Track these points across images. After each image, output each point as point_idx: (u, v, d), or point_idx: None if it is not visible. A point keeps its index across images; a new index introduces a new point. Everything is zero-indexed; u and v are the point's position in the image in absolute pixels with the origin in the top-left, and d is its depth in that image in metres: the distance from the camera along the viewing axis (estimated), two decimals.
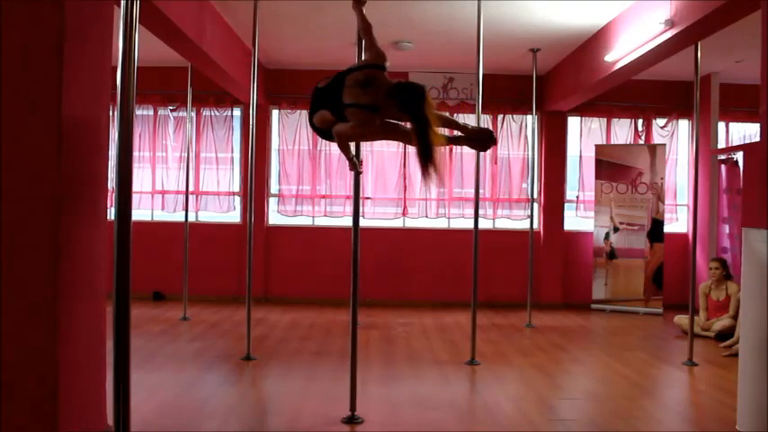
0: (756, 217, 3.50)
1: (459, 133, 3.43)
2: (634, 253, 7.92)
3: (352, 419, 3.67)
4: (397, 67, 7.86)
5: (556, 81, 7.69)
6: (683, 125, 8.34)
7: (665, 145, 8.00)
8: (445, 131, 3.49)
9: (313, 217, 8.22)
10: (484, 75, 5.21)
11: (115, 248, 2.17)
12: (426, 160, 2.95)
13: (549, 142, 8.31)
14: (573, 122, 8.41)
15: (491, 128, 8.19)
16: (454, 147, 8.13)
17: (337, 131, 3.20)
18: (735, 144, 8.22)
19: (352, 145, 3.69)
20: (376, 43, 3.34)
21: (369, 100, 3.12)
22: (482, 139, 3.34)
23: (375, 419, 3.72)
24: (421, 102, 2.94)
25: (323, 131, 3.32)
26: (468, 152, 8.10)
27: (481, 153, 5.59)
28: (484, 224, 7.64)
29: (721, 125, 8.14)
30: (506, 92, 8.05)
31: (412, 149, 8.87)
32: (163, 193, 8.08)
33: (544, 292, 8.13)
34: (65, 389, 2.75)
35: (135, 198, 6.37)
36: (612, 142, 8.25)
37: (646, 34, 5.05)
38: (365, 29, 3.40)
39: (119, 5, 2.21)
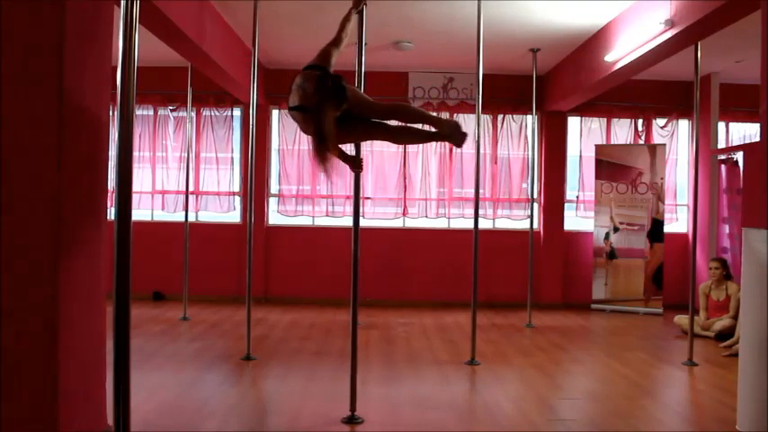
0: (756, 217, 3.50)
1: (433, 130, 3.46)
2: (634, 253, 7.92)
3: (352, 419, 3.67)
4: (397, 67, 7.87)
5: (556, 81, 7.69)
6: (683, 125, 8.34)
7: (665, 145, 8.00)
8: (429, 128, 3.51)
9: (313, 217, 8.22)
10: (484, 75, 5.21)
11: (115, 248, 2.17)
12: (318, 150, 3.03)
13: (549, 142, 8.31)
14: (573, 122, 8.41)
15: (491, 128, 8.19)
16: (454, 147, 8.12)
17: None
18: (735, 144, 8.22)
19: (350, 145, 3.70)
20: (331, 42, 3.38)
21: (298, 101, 3.17)
22: (451, 134, 3.35)
23: (375, 419, 3.72)
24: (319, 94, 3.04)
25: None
26: (468, 152, 8.10)
27: (481, 153, 5.59)
28: (484, 224, 7.64)
29: (721, 125, 8.14)
30: (506, 92, 8.05)
31: (411, 149, 8.83)
32: (163, 193, 8.08)
33: (544, 292, 8.13)
34: (65, 389, 2.75)
35: (135, 198, 6.37)
36: (612, 142, 8.25)
37: (646, 34, 5.05)
38: (340, 27, 3.49)
39: (119, 5, 2.21)
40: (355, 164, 3.64)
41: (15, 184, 2.67)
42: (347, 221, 7.44)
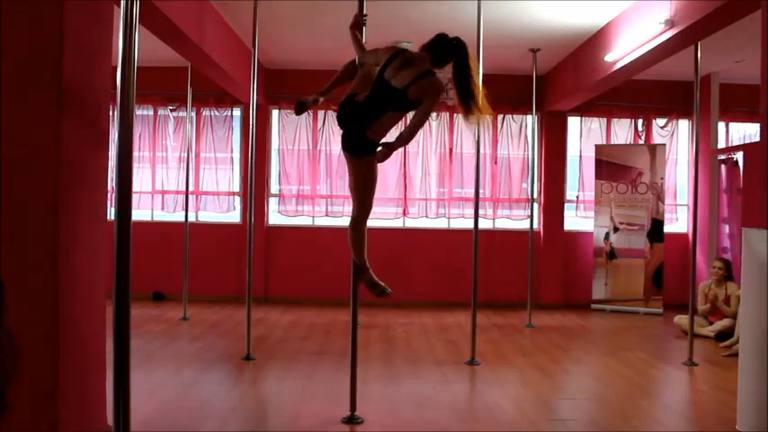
0: (756, 217, 3.50)
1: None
2: (634, 253, 7.91)
3: (352, 419, 3.67)
4: None
5: (556, 81, 7.69)
6: (683, 125, 8.34)
7: (665, 145, 8.00)
8: None
9: (313, 217, 8.22)
10: (484, 75, 5.20)
11: (115, 248, 2.18)
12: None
13: (549, 142, 8.31)
14: (573, 122, 8.41)
15: (491, 128, 8.19)
16: (454, 148, 8.16)
17: (421, 124, 3.37)
18: (735, 144, 8.22)
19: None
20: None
21: (422, 67, 3.32)
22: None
23: (375, 419, 3.72)
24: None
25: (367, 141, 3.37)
26: (467, 152, 8.10)
27: (481, 153, 5.59)
28: (484, 224, 7.63)
29: (721, 125, 8.14)
30: (506, 92, 8.04)
31: (412, 149, 8.82)
32: (163, 193, 8.08)
33: (544, 292, 8.13)
34: (65, 389, 2.75)
35: (135, 198, 6.37)
36: (612, 142, 8.25)
37: (646, 34, 5.05)
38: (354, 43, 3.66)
39: (119, 5, 2.22)
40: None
41: (15, 184, 2.67)
42: (347, 221, 7.43)
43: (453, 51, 3.35)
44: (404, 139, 3.41)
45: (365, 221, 3.58)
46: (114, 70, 2.34)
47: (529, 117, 7.88)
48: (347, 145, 3.43)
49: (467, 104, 3.32)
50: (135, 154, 7.24)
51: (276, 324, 6.66)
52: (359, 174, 3.45)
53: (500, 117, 8.22)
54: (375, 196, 3.62)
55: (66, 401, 2.76)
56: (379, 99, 3.31)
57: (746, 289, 3.64)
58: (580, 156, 8.32)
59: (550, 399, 4.28)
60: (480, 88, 3.37)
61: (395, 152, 3.48)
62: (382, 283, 3.66)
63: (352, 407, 3.71)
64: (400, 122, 3.63)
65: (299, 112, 3.65)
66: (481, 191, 7.10)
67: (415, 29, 6.29)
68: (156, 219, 8.16)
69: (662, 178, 7.83)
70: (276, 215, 8.27)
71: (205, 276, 7.84)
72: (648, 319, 7.47)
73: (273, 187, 8.33)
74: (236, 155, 8.22)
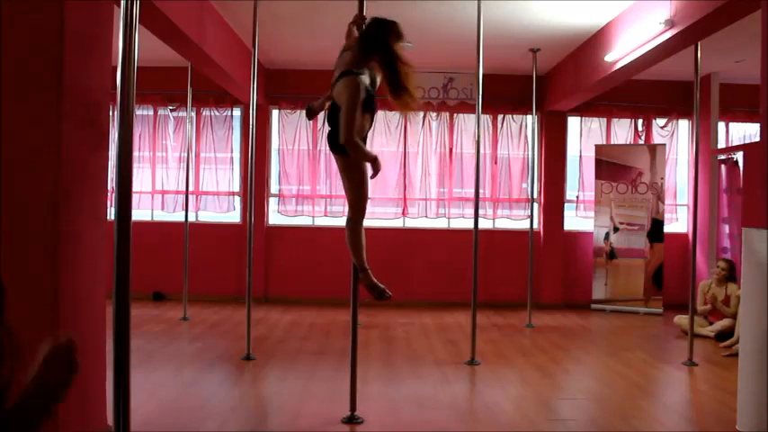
0: (756, 217, 3.50)
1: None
2: (634, 253, 7.91)
3: (352, 419, 3.67)
4: None
5: (556, 81, 7.69)
6: (683, 125, 8.34)
7: (665, 145, 8.00)
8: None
9: (313, 217, 8.22)
10: (484, 75, 5.21)
11: (115, 248, 2.18)
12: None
13: (549, 142, 8.31)
14: (573, 122, 8.41)
15: (491, 128, 8.20)
16: (454, 148, 8.16)
17: (346, 129, 3.22)
18: (735, 144, 8.23)
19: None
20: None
21: (343, 67, 3.31)
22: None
23: (375, 419, 3.72)
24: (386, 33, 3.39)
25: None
26: (467, 152, 8.10)
27: (481, 153, 5.59)
28: (484, 224, 7.63)
29: (721, 125, 8.14)
30: (506, 92, 8.05)
31: (411, 149, 8.82)
32: (163, 193, 8.08)
33: (544, 292, 8.13)
34: None
35: (135, 198, 6.37)
36: (612, 142, 8.25)
37: (646, 34, 5.05)
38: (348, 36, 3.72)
39: (119, 5, 2.22)
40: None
41: (15, 184, 2.67)
42: None
43: (376, 34, 3.39)
44: (349, 151, 3.30)
45: (360, 222, 3.57)
46: (114, 70, 2.34)
47: (529, 117, 7.88)
48: (329, 144, 3.52)
49: (395, 93, 3.25)
50: (135, 154, 7.24)
51: (276, 324, 6.66)
52: (347, 173, 3.49)
53: (500, 117, 8.22)
54: (373, 196, 3.63)
55: (66, 401, 2.76)
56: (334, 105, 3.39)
57: (746, 289, 3.64)
58: (580, 156, 8.32)
59: (550, 399, 4.28)
60: (410, 69, 3.29)
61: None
62: (382, 285, 3.63)
63: (352, 407, 3.71)
64: (374, 125, 3.71)
65: (309, 117, 3.73)
66: (481, 191, 7.10)
67: (415, 29, 6.28)
68: (156, 219, 8.16)
69: (662, 178, 7.82)
70: (276, 215, 8.27)
71: (205, 276, 7.84)
72: (648, 319, 7.47)
73: (273, 187, 8.33)
74: (236, 155, 8.22)
